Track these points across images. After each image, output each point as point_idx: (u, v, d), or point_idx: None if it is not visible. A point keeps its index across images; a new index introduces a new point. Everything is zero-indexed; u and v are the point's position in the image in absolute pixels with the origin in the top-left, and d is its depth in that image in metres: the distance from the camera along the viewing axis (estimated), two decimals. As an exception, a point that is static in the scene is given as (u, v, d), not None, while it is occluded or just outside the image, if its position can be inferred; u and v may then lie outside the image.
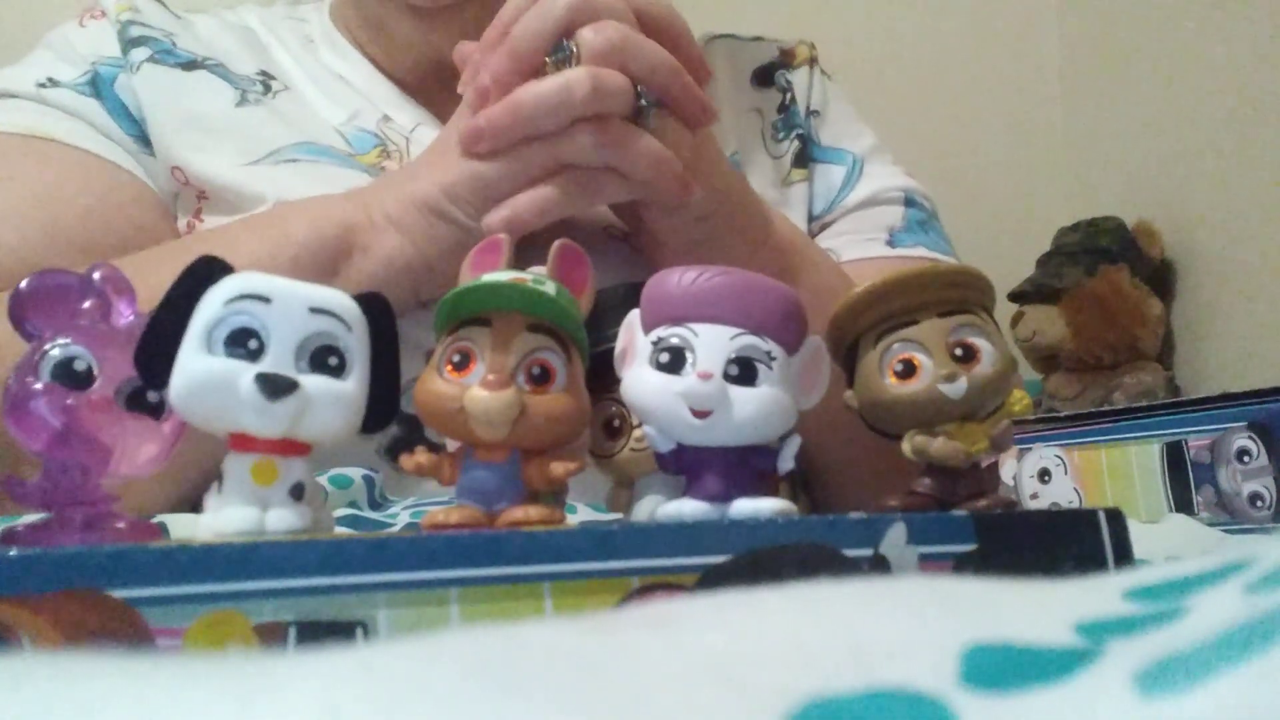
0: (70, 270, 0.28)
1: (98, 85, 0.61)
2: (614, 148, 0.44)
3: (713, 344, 0.27)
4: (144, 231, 0.58)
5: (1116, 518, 0.26)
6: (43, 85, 0.60)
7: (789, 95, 0.71)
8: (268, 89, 0.63)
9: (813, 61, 0.74)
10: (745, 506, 0.27)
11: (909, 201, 0.69)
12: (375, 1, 0.63)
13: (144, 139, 0.60)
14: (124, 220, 0.58)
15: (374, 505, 0.45)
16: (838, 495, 0.60)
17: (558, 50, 0.44)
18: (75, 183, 0.57)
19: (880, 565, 0.24)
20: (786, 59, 0.73)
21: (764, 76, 0.72)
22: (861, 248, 0.65)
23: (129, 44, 0.62)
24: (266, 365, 0.25)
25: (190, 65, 0.62)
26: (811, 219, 0.68)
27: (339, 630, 0.21)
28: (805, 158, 0.69)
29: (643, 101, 0.45)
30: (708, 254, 0.48)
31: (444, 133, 0.50)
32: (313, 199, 0.52)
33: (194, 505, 0.39)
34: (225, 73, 0.63)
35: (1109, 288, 1.16)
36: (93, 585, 0.20)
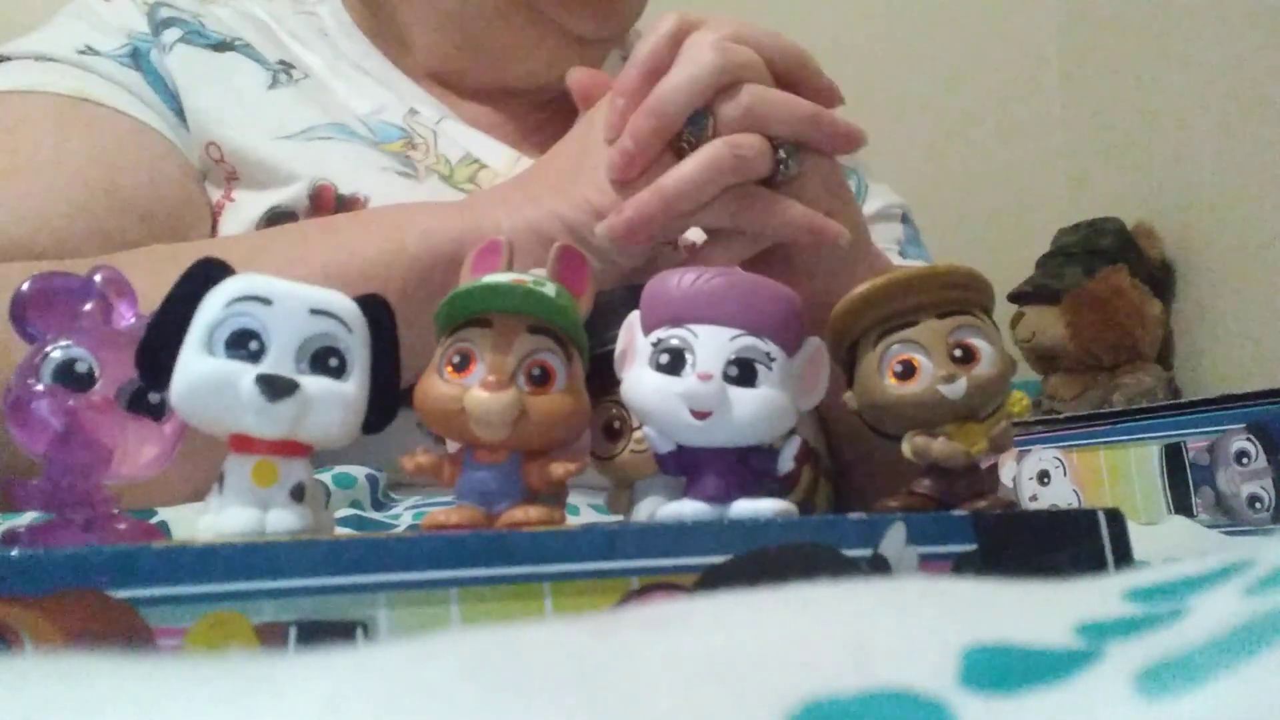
0: (71, 272, 0.29)
1: (138, 58, 0.60)
2: (751, 216, 0.44)
3: (712, 345, 0.27)
4: (191, 201, 0.58)
5: (1116, 518, 0.26)
6: (83, 52, 0.59)
7: None
8: (290, 76, 0.63)
9: None
10: (745, 507, 0.27)
11: (905, 219, 0.72)
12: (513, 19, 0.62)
13: (180, 114, 0.60)
14: (174, 189, 0.57)
15: (376, 505, 0.45)
16: (865, 487, 0.60)
17: (695, 122, 0.44)
18: (131, 149, 0.57)
19: (880, 565, 0.24)
20: None
21: None
22: None
23: (160, 25, 0.62)
24: (267, 366, 0.25)
25: (221, 46, 0.63)
26: None
27: (339, 630, 0.21)
28: None
29: (781, 154, 0.45)
30: (843, 284, 0.49)
31: (569, 152, 0.49)
32: (423, 206, 0.51)
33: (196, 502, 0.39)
34: (255, 54, 0.63)
35: (1108, 289, 1.16)
36: (93, 585, 0.20)
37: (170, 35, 0.62)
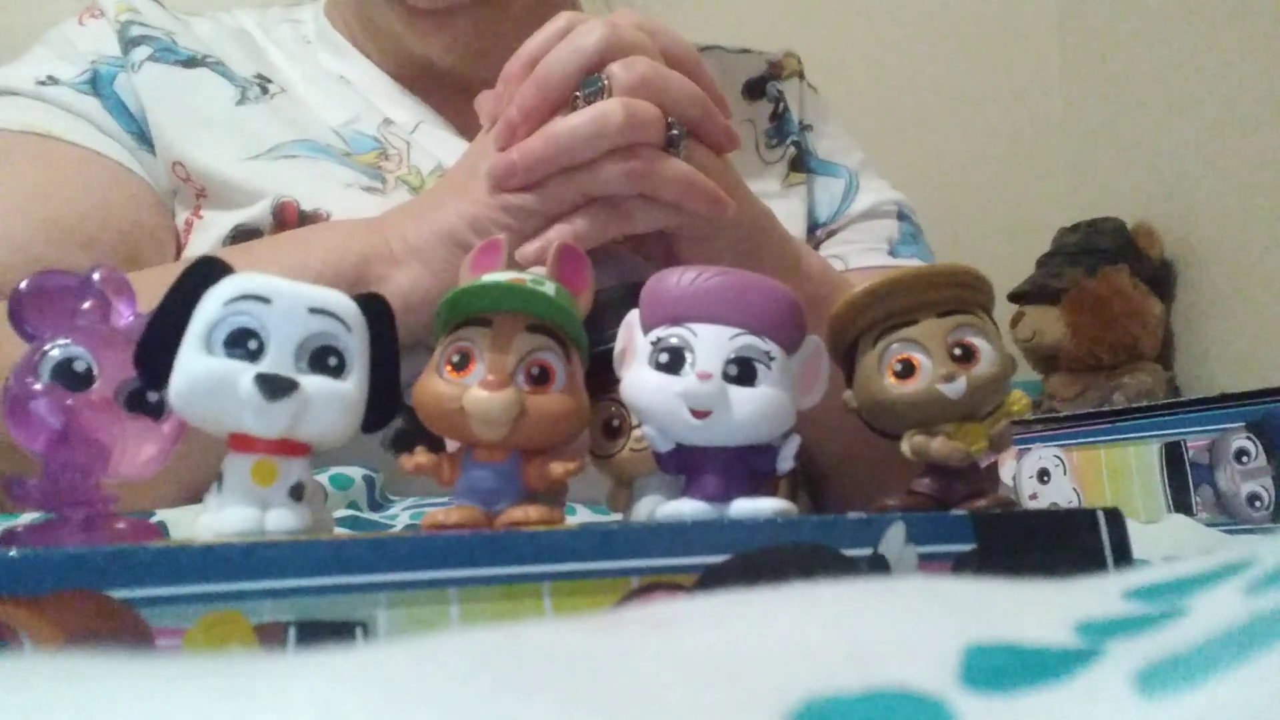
0: (70, 271, 0.28)
1: (97, 84, 0.61)
2: (644, 176, 0.44)
3: (712, 344, 0.27)
4: (142, 227, 0.58)
5: (1115, 517, 0.26)
6: (43, 83, 0.60)
7: (781, 104, 0.72)
8: (265, 91, 0.63)
9: (800, 75, 0.75)
10: (744, 506, 0.27)
11: (901, 215, 0.71)
12: (372, 2, 0.64)
13: (143, 137, 0.61)
14: (123, 215, 0.58)
15: (374, 506, 0.45)
16: (838, 495, 0.60)
17: (589, 84, 0.44)
18: (76, 178, 0.58)
19: (879, 565, 0.24)
20: (775, 71, 0.74)
21: (754, 89, 0.73)
22: (866, 256, 0.67)
23: (130, 44, 0.62)
24: (266, 365, 0.25)
25: (191, 63, 0.63)
26: (817, 226, 0.69)
27: (339, 630, 0.21)
28: (802, 165, 0.70)
29: (673, 131, 0.45)
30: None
31: (467, 159, 0.50)
32: (335, 224, 0.53)
33: (195, 502, 0.39)
34: (225, 70, 0.63)
35: (1109, 288, 1.16)
36: (93, 585, 0.20)
37: (139, 54, 0.62)
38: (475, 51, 0.63)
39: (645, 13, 0.50)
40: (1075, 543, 0.26)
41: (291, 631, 0.21)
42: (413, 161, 0.61)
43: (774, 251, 0.51)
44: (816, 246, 0.68)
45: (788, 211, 0.66)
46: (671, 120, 0.45)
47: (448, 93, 0.65)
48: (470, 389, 0.26)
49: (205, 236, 0.58)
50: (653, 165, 0.44)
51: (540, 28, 0.47)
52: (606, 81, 0.44)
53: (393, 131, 0.62)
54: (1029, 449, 0.66)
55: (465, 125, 0.63)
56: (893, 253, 0.68)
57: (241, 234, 0.56)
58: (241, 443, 0.25)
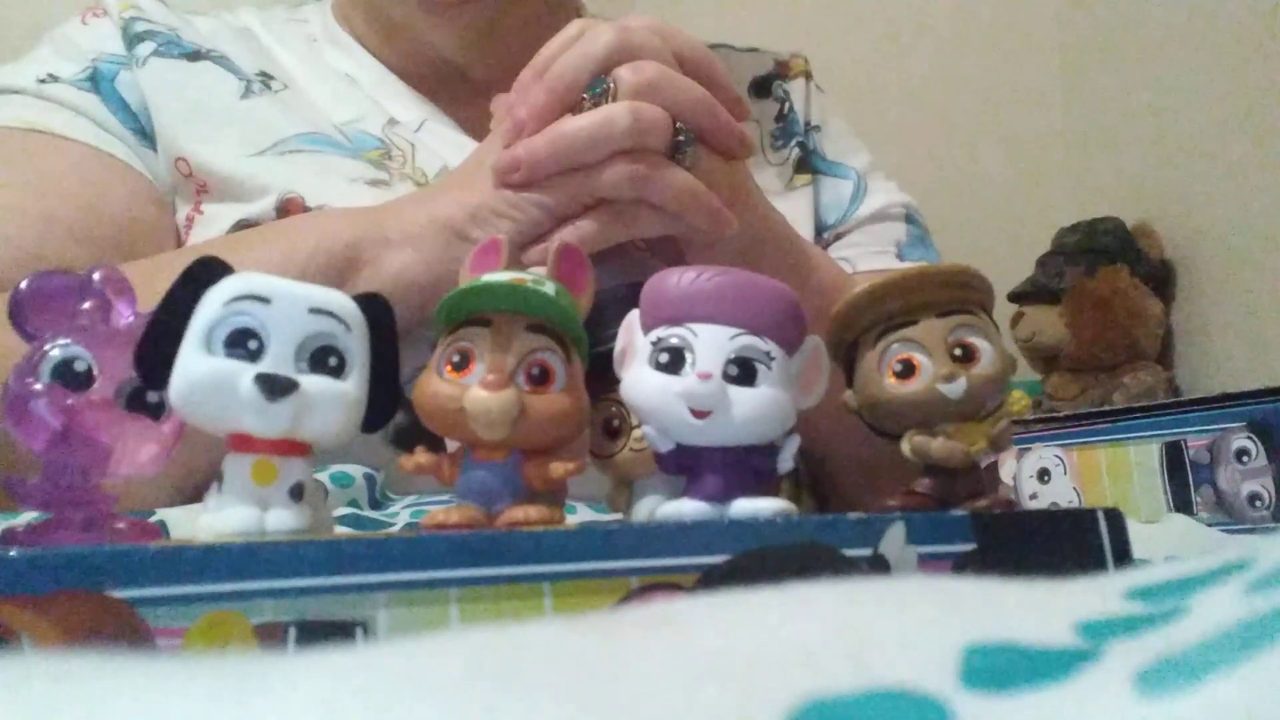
0: (69, 270, 0.28)
1: (97, 80, 0.61)
2: (647, 181, 0.44)
3: (712, 344, 0.27)
4: (140, 222, 0.58)
5: (1115, 517, 0.26)
6: (43, 81, 0.61)
7: (787, 104, 0.72)
8: (268, 86, 0.63)
9: (808, 76, 0.75)
10: (745, 506, 0.27)
11: (909, 218, 0.71)
12: None
13: (143, 133, 0.61)
14: (120, 211, 0.58)
15: (374, 504, 0.45)
16: (843, 496, 0.60)
17: (595, 86, 0.44)
18: (71, 173, 0.58)
19: (880, 565, 0.24)
20: (782, 70, 0.74)
21: (762, 87, 0.73)
22: (874, 260, 0.67)
23: (133, 40, 0.63)
24: (266, 365, 0.25)
25: (195, 56, 0.63)
26: (825, 228, 0.69)
27: (339, 630, 0.21)
28: (807, 166, 0.70)
29: (680, 137, 0.45)
30: None
31: (473, 156, 0.50)
32: (329, 212, 0.53)
33: (195, 502, 0.39)
34: (229, 64, 0.64)
35: (1109, 288, 1.16)
36: (93, 585, 0.20)
37: (144, 49, 0.62)
38: (484, 45, 0.63)
39: (656, 13, 0.50)
40: (1075, 543, 0.26)
41: (291, 631, 0.21)
42: (418, 163, 0.61)
43: (783, 260, 0.51)
44: (824, 249, 0.68)
45: (792, 213, 0.66)
46: (679, 126, 0.45)
47: (455, 91, 0.65)
48: (470, 389, 0.26)
49: (206, 231, 0.58)
50: (655, 171, 0.44)
51: (552, 31, 0.47)
52: (611, 84, 0.44)
53: (397, 132, 0.62)
54: (1029, 449, 0.66)
55: (471, 124, 0.63)
56: (900, 255, 0.68)
57: (243, 229, 0.56)
58: (241, 443, 0.25)
